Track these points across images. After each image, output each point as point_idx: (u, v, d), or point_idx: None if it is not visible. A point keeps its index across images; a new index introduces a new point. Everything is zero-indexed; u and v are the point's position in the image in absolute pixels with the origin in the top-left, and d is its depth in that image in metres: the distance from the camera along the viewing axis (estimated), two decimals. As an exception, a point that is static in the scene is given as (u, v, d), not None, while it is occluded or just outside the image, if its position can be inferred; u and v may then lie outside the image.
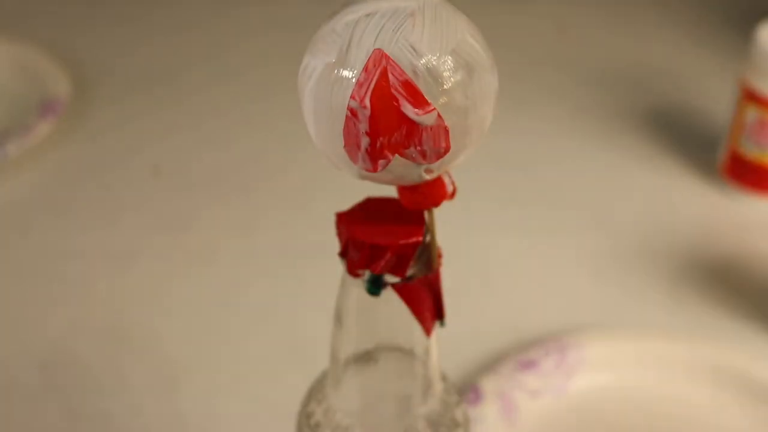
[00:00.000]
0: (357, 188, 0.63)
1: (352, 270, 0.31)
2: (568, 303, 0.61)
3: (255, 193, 0.71)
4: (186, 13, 0.96)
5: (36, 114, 0.76)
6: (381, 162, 0.28)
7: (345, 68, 0.28)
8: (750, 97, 0.67)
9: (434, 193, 0.31)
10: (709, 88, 0.85)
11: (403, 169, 0.29)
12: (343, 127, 0.28)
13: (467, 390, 0.52)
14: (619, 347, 0.55)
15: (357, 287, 0.32)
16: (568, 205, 0.70)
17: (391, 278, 0.31)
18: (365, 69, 0.27)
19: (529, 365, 0.53)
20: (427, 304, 0.33)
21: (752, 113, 0.67)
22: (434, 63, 0.28)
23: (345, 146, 0.28)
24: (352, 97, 0.27)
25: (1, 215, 0.68)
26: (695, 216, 0.70)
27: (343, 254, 0.32)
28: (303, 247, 0.65)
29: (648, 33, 0.95)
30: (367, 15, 0.28)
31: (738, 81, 0.69)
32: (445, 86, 0.28)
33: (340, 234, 0.32)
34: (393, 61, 0.27)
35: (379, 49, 0.27)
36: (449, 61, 0.28)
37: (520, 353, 0.54)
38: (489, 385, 0.52)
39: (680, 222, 0.69)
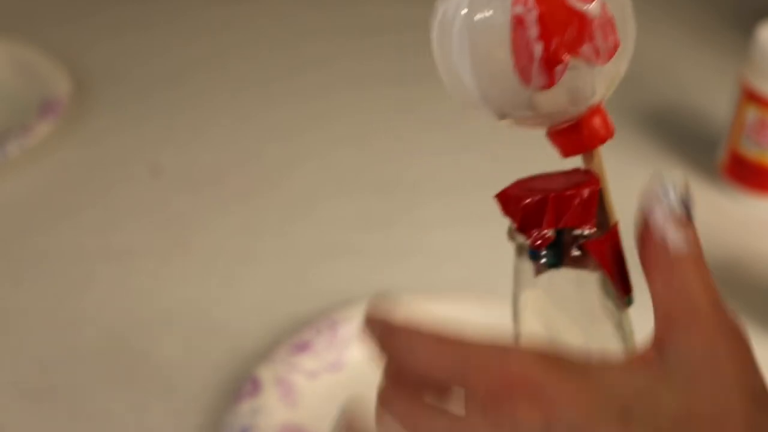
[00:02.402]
0: (358, 189, 0.63)
1: (538, 239, 0.29)
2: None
3: (255, 194, 0.71)
4: (187, 13, 0.96)
5: (36, 114, 0.75)
6: (558, 69, 0.27)
7: None
8: (750, 97, 0.67)
9: (594, 128, 0.30)
10: (709, 88, 0.85)
11: (576, 81, 0.28)
12: (510, 45, 0.27)
13: (246, 381, 0.52)
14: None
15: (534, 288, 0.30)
16: (568, 205, 0.70)
17: (578, 234, 0.30)
18: None
19: (302, 347, 0.54)
20: (615, 269, 0.31)
21: (752, 113, 0.67)
22: None
23: (516, 64, 0.27)
24: (515, 3, 0.27)
25: (1, 215, 0.68)
26: (695, 216, 0.69)
27: (523, 227, 0.30)
28: (303, 248, 0.65)
29: (648, 33, 0.95)
30: None
31: (738, 81, 0.69)
32: None
33: (510, 209, 0.30)
34: None
35: None
36: None
37: (292, 336, 0.55)
38: (266, 373, 0.53)
39: (680, 222, 0.69)
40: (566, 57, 0.27)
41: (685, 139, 0.78)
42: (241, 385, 0.52)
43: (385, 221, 0.67)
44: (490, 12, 0.27)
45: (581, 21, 0.27)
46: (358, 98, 0.83)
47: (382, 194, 0.70)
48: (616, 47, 0.29)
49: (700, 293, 0.29)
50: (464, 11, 0.28)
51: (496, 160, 0.75)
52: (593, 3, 0.28)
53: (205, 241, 0.66)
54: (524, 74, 0.28)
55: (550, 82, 0.28)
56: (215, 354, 0.56)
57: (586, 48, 0.28)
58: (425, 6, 1.07)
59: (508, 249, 0.34)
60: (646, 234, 0.30)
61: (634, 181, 0.74)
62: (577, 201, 0.30)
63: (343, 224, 0.67)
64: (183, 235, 0.66)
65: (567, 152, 0.31)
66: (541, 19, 0.27)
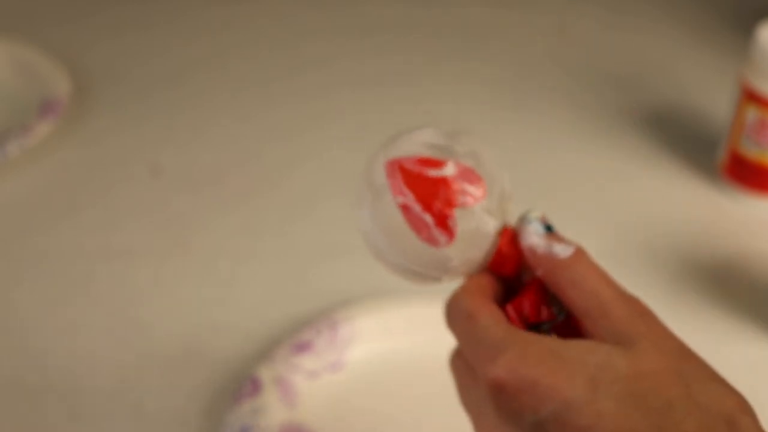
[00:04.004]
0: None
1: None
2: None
3: (255, 194, 0.71)
4: (187, 13, 0.96)
5: (36, 114, 0.76)
6: (450, 223, 0.34)
7: (378, 198, 0.35)
8: (750, 97, 0.67)
9: (508, 250, 0.36)
10: (709, 88, 0.85)
11: (470, 223, 0.35)
12: (409, 225, 0.35)
13: (246, 381, 0.53)
14: (388, 315, 0.57)
15: None
16: (567, 204, 0.70)
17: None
18: (389, 176, 0.35)
19: (302, 347, 0.54)
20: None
21: (752, 113, 0.67)
22: (435, 139, 0.36)
23: (421, 236, 0.35)
24: (395, 195, 0.35)
25: (1, 215, 0.68)
26: (695, 216, 0.70)
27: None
28: (303, 248, 0.65)
29: (648, 33, 0.95)
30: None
31: (738, 81, 0.69)
32: (450, 147, 0.35)
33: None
34: (402, 158, 0.35)
35: (385, 159, 0.36)
36: (444, 135, 0.36)
37: (292, 336, 0.55)
38: (266, 373, 0.53)
39: (680, 222, 0.69)
40: (449, 211, 0.34)
41: (685, 139, 0.78)
42: (241, 385, 0.52)
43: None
44: (385, 212, 0.35)
45: (445, 183, 0.34)
46: (358, 98, 0.83)
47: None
48: (483, 187, 0.35)
49: (602, 284, 0.35)
50: (369, 219, 0.36)
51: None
52: (447, 166, 0.35)
53: (205, 241, 0.66)
54: (430, 240, 0.35)
55: (450, 235, 0.35)
56: (215, 354, 0.56)
57: (460, 198, 0.34)
58: (425, 6, 1.08)
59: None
60: (535, 260, 0.36)
61: (633, 181, 0.74)
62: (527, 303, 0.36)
63: (343, 224, 0.67)
64: (183, 235, 0.66)
65: (506, 272, 0.37)
66: (418, 197, 0.34)
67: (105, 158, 0.74)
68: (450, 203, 0.34)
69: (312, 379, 0.53)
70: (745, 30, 0.77)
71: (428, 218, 0.34)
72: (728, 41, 0.92)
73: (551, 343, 0.33)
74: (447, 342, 0.56)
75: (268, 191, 0.71)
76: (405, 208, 0.34)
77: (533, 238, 0.36)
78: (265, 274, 0.63)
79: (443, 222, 0.34)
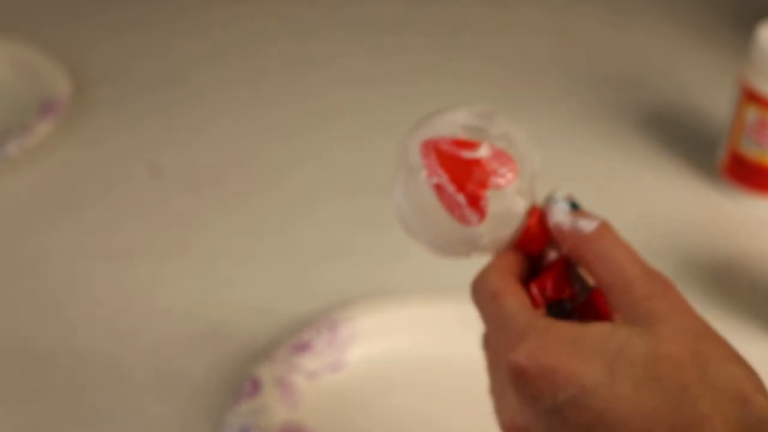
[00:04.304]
0: (358, 189, 0.64)
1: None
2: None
3: (255, 194, 0.71)
4: (187, 13, 0.96)
5: (36, 114, 0.75)
6: (482, 203, 0.36)
7: (412, 177, 0.36)
8: (750, 97, 0.67)
9: (536, 228, 0.37)
10: (709, 88, 0.85)
11: (501, 204, 0.36)
12: (442, 205, 0.36)
13: (246, 381, 0.52)
14: (388, 315, 0.57)
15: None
16: (568, 205, 0.70)
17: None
18: (424, 157, 0.36)
19: (302, 347, 0.54)
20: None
21: (752, 113, 0.67)
22: (469, 120, 0.37)
23: (454, 215, 0.36)
24: (429, 176, 0.36)
25: (1, 215, 0.68)
26: (695, 216, 0.70)
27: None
28: (303, 248, 0.65)
29: (648, 33, 0.95)
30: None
31: (738, 81, 0.69)
32: (484, 128, 0.37)
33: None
34: (437, 138, 0.36)
35: (420, 140, 0.37)
36: (478, 116, 0.37)
37: (292, 336, 0.55)
38: (266, 373, 0.53)
39: (680, 222, 0.69)
40: (482, 192, 0.36)
41: (685, 139, 0.78)
42: (241, 385, 0.52)
43: (385, 221, 0.67)
44: (419, 191, 0.36)
45: (478, 165, 0.36)
46: (359, 98, 0.83)
47: (382, 194, 0.70)
48: (515, 168, 0.36)
49: (626, 258, 0.36)
50: (402, 197, 0.37)
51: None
52: (481, 148, 0.36)
53: (205, 241, 0.66)
54: (462, 219, 0.36)
55: (482, 215, 0.36)
56: (215, 354, 0.56)
57: (492, 180, 0.36)
58: (425, 5, 1.08)
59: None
60: (561, 237, 0.37)
61: (634, 181, 0.74)
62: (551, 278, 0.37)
63: (343, 224, 0.67)
64: (183, 235, 0.66)
65: (533, 250, 0.38)
66: (452, 178, 0.36)
67: (105, 158, 0.74)
68: (483, 184, 0.36)
69: (312, 379, 0.53)
70: (745, 30, 0.76)
71: (461, 198, 0.35)
72: (728, 41, 0.92)
73: (571, 329, 0.34)
74: (447, 342, 0.56)
75: (268, 191, 0.71)
76: (439, 188, 0.36)
77: (560, 215, 0.37)
78: (265, 274, 0.63)
79: (476, 202, 0.36)
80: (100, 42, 0.90)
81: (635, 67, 0.89)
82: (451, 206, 0.36)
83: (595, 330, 0.34)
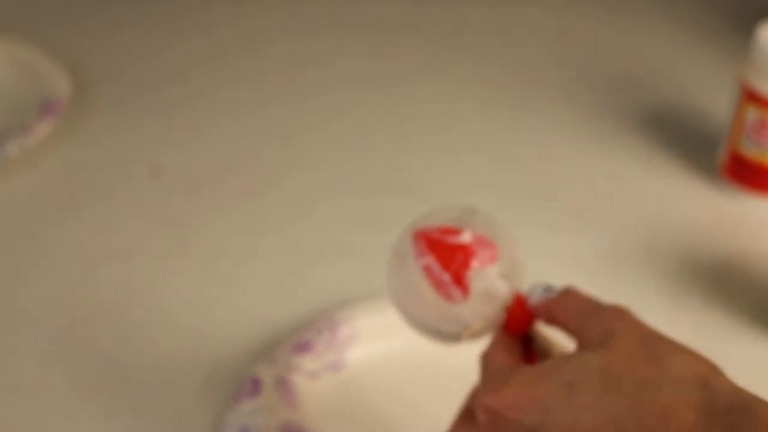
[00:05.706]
0: (357, 189, 0.64)
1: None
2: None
3: (255, 194, 0.71)
4: (187, 13, 0.96)
5: (36, 114, 0.76)
6: (465, 281, 0.39)
7: (404, 263, 0.41)
8: (750, 97, 0.67)
9: (517, 314, 0.41)
10: (709, 88, 0.85)
11: (482, 283, 0.40)
12: (429, 283, 0.40)
13: (246, 381, 0.52)
14: (389, 315, 0.56)
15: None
16: (567, 204, 0.70)
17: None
18: (414, 244, 0.40)
19: (302, 347, 0.55)
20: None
21: (752, 113, 0.67)
22: (456, 214, 0.41)
23: (440, 294, 0.40)
24: (417, 257, 0.40)
25: (1, 215, 0.68)
26: (695, 216, 0.70)
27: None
28: (303, 248, 0.65)
29: (648, 33, 0.95)
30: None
31: (738, 81, 0.69)
32: (469, 220, 0.41)
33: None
34: (424, 227, 0.41)
35: (411, 231, 0.41)
36: (465, 211, 0.42)
37: (292, 336, 0.55)
38: (266, 373, 0.53)
39: (680, 222, 0.69)
40: (464, 271, 0.40)
41: (685, 139, 0.78)
42: (241, 385, 0.53)
43: (385, 221, 0.67)
44: (410, 273, 0.40)
45: (462, 248, 0.40)
46: (359, 98, 0.83)
47: (382, 194, 0.71)
48: (496, 252, 0.40)
49: (582, 304, 0.40)
50: (396, 282, 0.41)
51: (495, 160, 0.75)
52: (464, 234, 0.40)
53: (205, 241, 0.66)
54: (448, 296, 0.40)
55: (465, 292, 0.40)
56: (215, 354, 0.56)
57: (474, 261, 0.40)
58: (425, 5, 1.08)
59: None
60: (537, 311, 0.41)
61: (633, 181, 0.74)
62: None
63: (343, 224, 0.67)
64: (183, 235, 0.66)
65: (519, 333, 0.42)
66: (438, 259, 0.40)
67: (105, 158, 0.74)
68: (465, 264, 0.40)
69: (312, 379, 0.53)
70: (745, 30, 0.77)
71: (446, 277, 0.40)
72: (728, 41, 0.92)
73: (535, 368, 0.37)
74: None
75: (268, 191, 0.71)
76: (427, 269, 0.40)
77: (536, 296, 0.42)
78: (265, 274, 0.63)
79: (459, 280, 0.40)
80: (100, 42, 0.90)
81: (635, 67, 0.89)
82: (437, 285, 0.40)
83: (553, 361, 0.37)
